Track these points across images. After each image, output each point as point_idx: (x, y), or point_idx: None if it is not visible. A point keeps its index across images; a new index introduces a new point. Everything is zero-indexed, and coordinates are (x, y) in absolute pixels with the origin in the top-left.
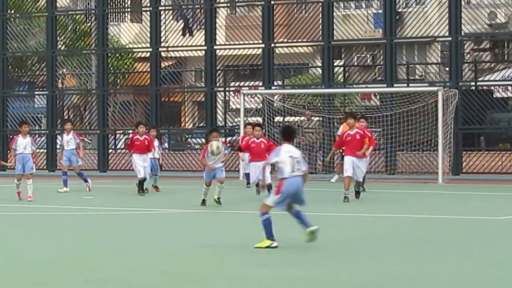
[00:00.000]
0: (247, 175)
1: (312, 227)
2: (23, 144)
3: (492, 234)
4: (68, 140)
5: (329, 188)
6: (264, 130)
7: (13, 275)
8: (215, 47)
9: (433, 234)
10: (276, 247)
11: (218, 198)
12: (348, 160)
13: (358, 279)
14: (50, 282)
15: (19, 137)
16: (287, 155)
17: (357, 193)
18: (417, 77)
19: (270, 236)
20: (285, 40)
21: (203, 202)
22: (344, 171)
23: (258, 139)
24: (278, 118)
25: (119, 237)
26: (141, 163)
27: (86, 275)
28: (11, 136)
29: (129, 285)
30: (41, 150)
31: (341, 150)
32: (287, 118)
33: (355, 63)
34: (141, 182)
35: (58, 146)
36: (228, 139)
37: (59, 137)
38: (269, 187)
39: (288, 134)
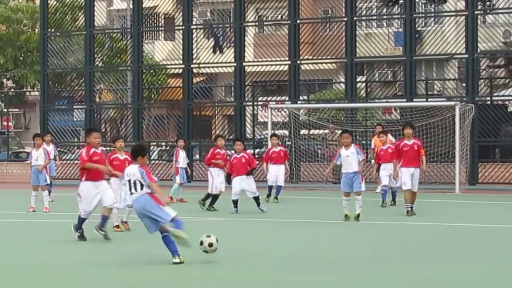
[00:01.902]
0: (269, 187)
1: (175, 257)
2: (35, 156)
3: (508, 242)
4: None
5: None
6: (290, 142)
7: (41, 279)
8: (244, 63)
9: (452, 241)
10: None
11: (358, 215)
12: (406, 172)
13: (380, 284)
14: (77, 287)
15: (33, 149)
16: (127, 179)
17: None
18: (435, 92)
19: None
20: (310, 57)
21: (346, 217)
22: (402, 185)
23: (239, 154)
24: (303, 131)
25: (147, 243)
26: (220, 180)
27: (113, 280)
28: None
29: None
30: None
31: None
32: (312, 131)
33: (377, 79)
34: (214, 197)
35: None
36: (257, 151)
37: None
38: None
39: (132, 153)
